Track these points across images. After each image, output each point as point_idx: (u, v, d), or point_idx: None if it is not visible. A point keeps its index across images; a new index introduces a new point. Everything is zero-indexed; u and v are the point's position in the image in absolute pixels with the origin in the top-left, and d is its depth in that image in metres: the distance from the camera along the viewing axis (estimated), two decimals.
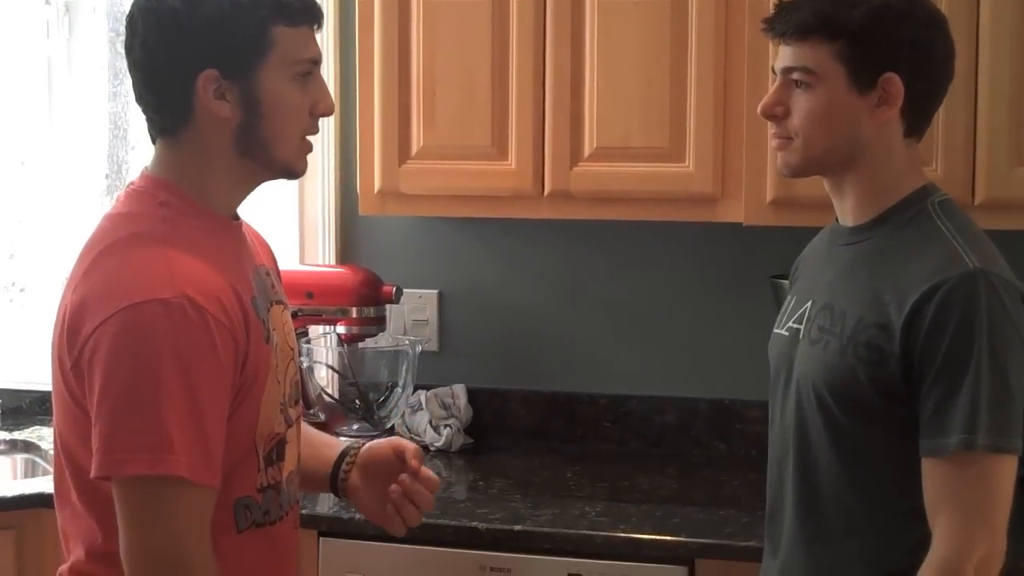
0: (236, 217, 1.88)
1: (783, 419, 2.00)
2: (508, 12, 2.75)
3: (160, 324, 1.64)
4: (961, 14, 2.44)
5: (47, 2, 3.48)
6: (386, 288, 3.05)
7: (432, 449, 3.04)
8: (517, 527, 2.51)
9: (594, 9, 2.71)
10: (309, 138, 1.85)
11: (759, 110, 1.96)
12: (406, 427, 3.11)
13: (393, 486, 1.97)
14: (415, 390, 3.11)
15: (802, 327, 1.97)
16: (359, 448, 2.05)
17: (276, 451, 1.83)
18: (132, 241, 1.73)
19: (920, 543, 1.81)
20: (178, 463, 1.63)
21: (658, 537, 2.45)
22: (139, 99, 1.82)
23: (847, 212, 1.97)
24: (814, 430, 1.92)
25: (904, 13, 1.87)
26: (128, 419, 1.64)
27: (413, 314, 3.22)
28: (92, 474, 1.67)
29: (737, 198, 2.68)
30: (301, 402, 1.98)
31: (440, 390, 3.14)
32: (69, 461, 1.78)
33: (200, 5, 1.72)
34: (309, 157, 1.88)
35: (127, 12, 1.82)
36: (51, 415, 1.83)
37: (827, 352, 1.89)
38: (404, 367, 3.07)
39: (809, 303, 1.98)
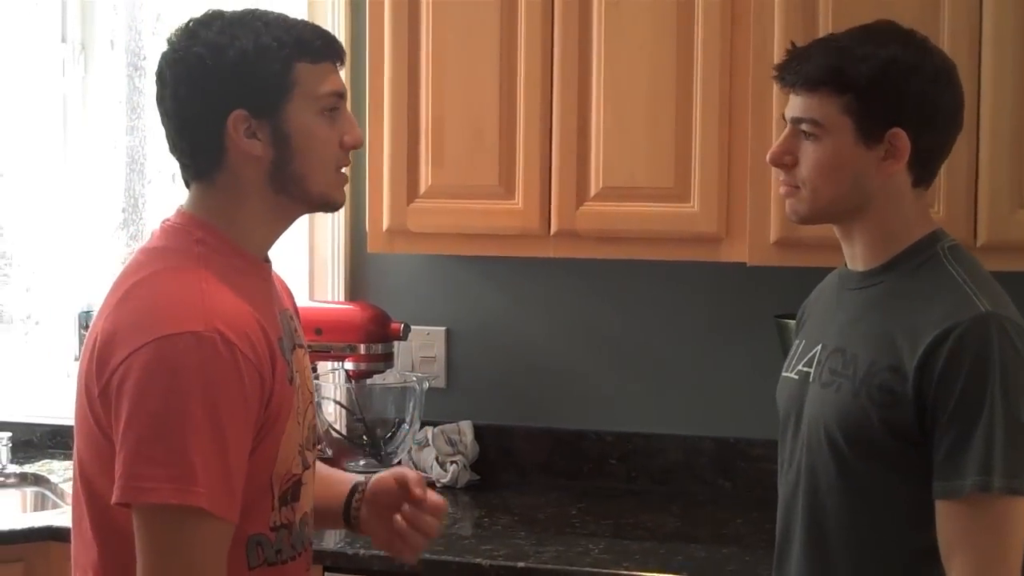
0: (267, 260, 1.91)
1: (792, 462, 2.00)
2: (516, 54, 2.79)
3: (191, 356, 1.66)
4: (963, 58, 2.46)
5: (63, 40, 3.53)
6: (394, 325, 3.08)
7: (438, 485, 3.05)
8: (520, 564, 2.52)
9: (600, 50, 2.75)
10: (344, 170, 1.88)
11: (768, 158, 1.97)
12: (413, 463, 3.13)
13: (397, 516, 1.99)
14: (422, 426, 3.13)
15: (812, 370, 1.98)
16: (367, 482, 2.08)
17: (292, 492, 1.85)
18: (166, 274, 1.77)
19: None
20: (199, 495, 1.65)
21: (660, 575, 2.47)
22: (173, 149, 1.86)
23: (857, 258, 1.98)
24: (824, 472, 1.91)
25: (912, 67, 1.88)
26: (153, 448, 1.65)
27: (421, 351, 3.24)
28: (113, 500, 1.68)
29: (741, 238, 2.70)
30: (318, 446, 2.00)
31: (447, 426, 3.16)
32: (86, 489, 1.80)
33: (225, 49, 1.77)
34: None
35: (156, 67, 1.85)
36: (62, 448, 1.86)
37: (839, 395, 1.89)
38: (411, 403, 3.10)
39: (819, 347, 1.99)
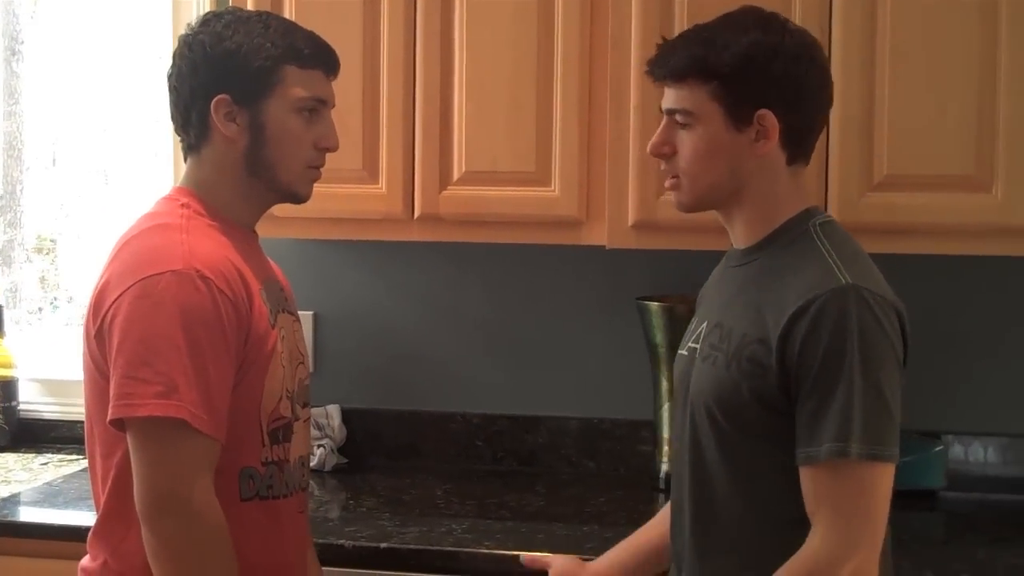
0: (253, 232, 2.15)
1: (681, 436, 2.05)
2: (379, 39, 2.81)
3: (170, 290, 1.89)
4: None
5: None
6: None
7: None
8: (383, 544, 2.54)
9: (463, 36, 2.78)
10: (317, 169, 2.13)
11: (648, 150, 2.04)
12: None
13: None
14: None
15: (698, 346, 2.04)
16: None
17: (283, 432, 2.05)
18: (151, 230, 2.00)
19: None
20: (181, 408, 1.85)
21: (520, 553, 2.49)
22: (172, 119, 2.10)
23: (738, 237, 2.04)
24: (706, 444, 1.97)
25: (774, 50, 1.93)
26: (139, 370, 1.87)
27: None
28: (108, 418, 1.89)
29: (601, 222, 2.75)
30: (309, 407, 2.23)
31: (314, 410, 3.16)
32: (91, 431, 2.02)
33: (223, 41, 2.02)
34: None
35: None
36: None
37: (715, 368, 1.96)
38: None
39: (705, 323, 2.06)
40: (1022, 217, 2.58)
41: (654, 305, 2.94)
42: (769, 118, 1.93)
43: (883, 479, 1.83)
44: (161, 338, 1.87)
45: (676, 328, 2.91)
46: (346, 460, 3.17)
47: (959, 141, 2.59)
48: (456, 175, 2.80)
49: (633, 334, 3.03)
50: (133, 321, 1.88)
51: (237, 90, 2.02)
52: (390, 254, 3.21)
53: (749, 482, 1.93)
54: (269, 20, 2.08)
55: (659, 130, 2.02)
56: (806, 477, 1.85)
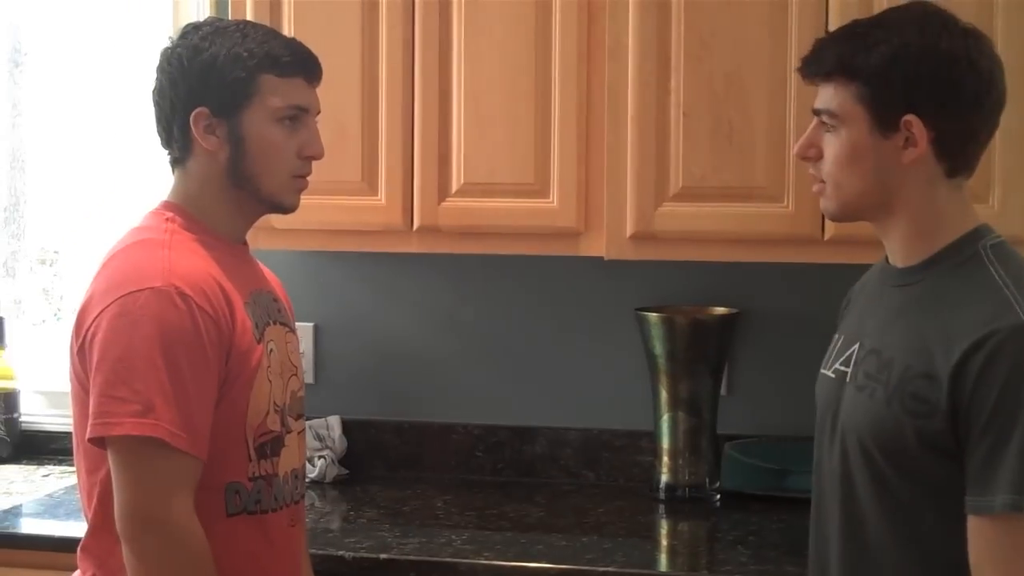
0: (243, 243, 2.14)
1: (829, 466, 1.93)
2: (377, 51, 2.82)
3: (149, 308, 1.88)
4: None
5: None
6: None
7: (307, 480, 3.06)
8: (383, 556, 2.55)
9: (461, 48, 2.79)
10: (302, 177, 2.10)
11: (794, 152, 1.95)
12: None
13: None
14: None
15: (849, 370, 1.91)
16: None
17: (271, 447, 2.03)
18: (135, 246, 2.00)
19: None
20: (158, 427, 1.84)
21: (519, 564, 2.51)
22: (157, 134, 2.10)
23: (896, 254, 1.90)
24: (859, 481, 1.85)
25: (924, 52, 1.80)
26: (117, 389, 1.86)
27: None
28: (87, 436, 1.89)
29: (599, 232, 2.76)
30: (304, 418, 2.19)
31: (315, 422, 3.17)
32: (77, 447, 2.01)
33: (200, 53, 2.00)
34: None
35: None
36: None
37: (873, 402, 1.82)
38: None
39: (856, 345, 1.92)
40: None
41: (653, 316, 2.95)
42: (916, 124, 1.79)
43: None
44: (139, 357, 1.86)
45: (675, 339, 2.93)
46: (347, 471, 3.18)
47: None
48: (455, 187, 2.81)
49: (632, 345, 3.04)
50: (111, 339, 1.88)
51: (215, 102, 2.00)
52: (390, 265, 3.22)
53: (906, 525, 1.81)
54: (247, 29, 2.05)
55: (807, 131, 1.92)
56: (975, 527, 1.72)
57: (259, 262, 2.22)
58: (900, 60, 1.80)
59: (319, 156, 2.10)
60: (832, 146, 1.86)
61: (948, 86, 1.80)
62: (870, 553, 1.85)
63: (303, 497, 2.17)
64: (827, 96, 1.86)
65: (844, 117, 1.84)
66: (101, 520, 1.98)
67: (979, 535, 1.72)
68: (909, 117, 1.80)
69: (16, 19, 3.57)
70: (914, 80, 1.80)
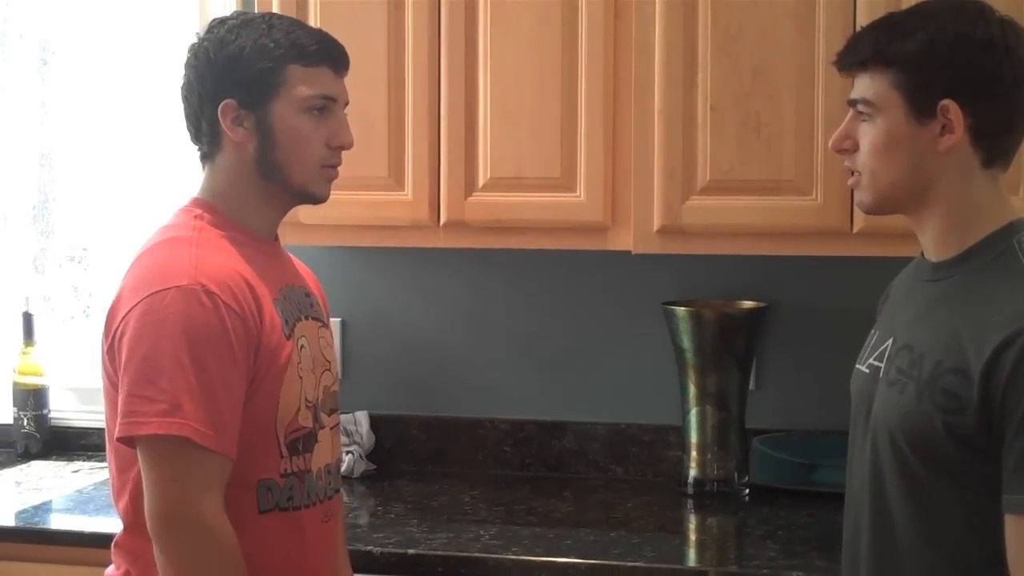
0: (275, 238, 2.14)
1: (860, 460, 1.92)
2: (404, 46, 2.82)
3: (175, 307, 1.88)
4: None
5: None
6: None
7: None
8: (411, 551, 2.55)
9: (487, 43, 2.78)
10: (332, 168, 2.09)
11: (830, 144, 1.92)
12: None
13: None
14: None
15: (882, 366, 1.89)
16: None
17: (303, 443, 2.03)
18: (163, 244, 2.00)
19: None
20: (185, 426, 1.84)
21: (547, 559, 2.51)
22: (187, 129, 2.09)
23: (929, 247, 1.88)
24: (889, 477, 1.83)
25: (962, 37, 1.78)
26: (144, 388, 1.86)
27: None
28: (115, 436, 1.90)
29: (626, 227, 2.75)
30: (338, 413, 2.19)
31: (343, 417, 3.16)
32: (109, 445, 2.01)
33: (226, 45, 2.00)
34: None
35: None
36: None
37: (904, 396, 1.80)
38: None
39: (890, 341, 1.90)
40: None
41: (680, 310, 2.94)
42: (953, 110, 1.77)
43: None
44: (165, 356, 1.86)
45: (703, 333, 2.92)
46: (374, 466, 3.18)
47: None
48: (481, 181, 2.81)
49: (660, 339, 3.03)
50: (139, 338, 1.88)
51: (243, 94, 2.00)
52: (417, 261, 3.22)
53: (935, 518, 1.79)
54: (273, 20, 2.04)
55: (843, 123, 1.89)
56: (1012, 526, 1.69)
57: (292, 256, 2.22)
58: (937, 46, 1.79)
59: (348, 146, 2.08)
60: (868, 135, 1.85)
61: (985, 71, 1.78)
62: (898, 548, 1.83)
63: (338, 492, 2.17)
64: (863, 85, 1.85)
65: (880, 105, 1.82)
66: (134, 518, 1.97)
67: (1016, 534, 1.69)
68: (946, 102, 1.78)
69: (44, 17, 3.59)
70: (951, 65, 1.78)
